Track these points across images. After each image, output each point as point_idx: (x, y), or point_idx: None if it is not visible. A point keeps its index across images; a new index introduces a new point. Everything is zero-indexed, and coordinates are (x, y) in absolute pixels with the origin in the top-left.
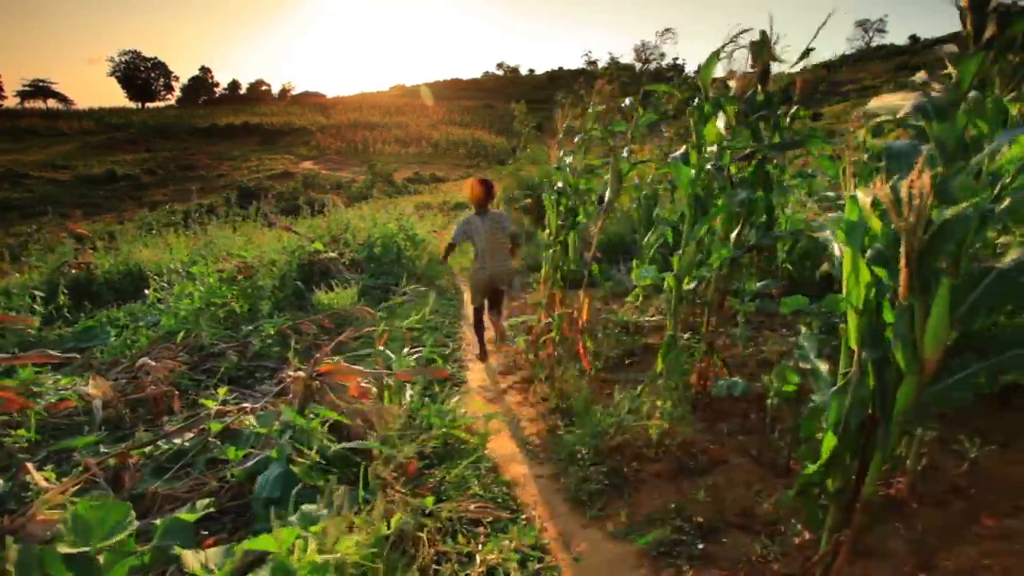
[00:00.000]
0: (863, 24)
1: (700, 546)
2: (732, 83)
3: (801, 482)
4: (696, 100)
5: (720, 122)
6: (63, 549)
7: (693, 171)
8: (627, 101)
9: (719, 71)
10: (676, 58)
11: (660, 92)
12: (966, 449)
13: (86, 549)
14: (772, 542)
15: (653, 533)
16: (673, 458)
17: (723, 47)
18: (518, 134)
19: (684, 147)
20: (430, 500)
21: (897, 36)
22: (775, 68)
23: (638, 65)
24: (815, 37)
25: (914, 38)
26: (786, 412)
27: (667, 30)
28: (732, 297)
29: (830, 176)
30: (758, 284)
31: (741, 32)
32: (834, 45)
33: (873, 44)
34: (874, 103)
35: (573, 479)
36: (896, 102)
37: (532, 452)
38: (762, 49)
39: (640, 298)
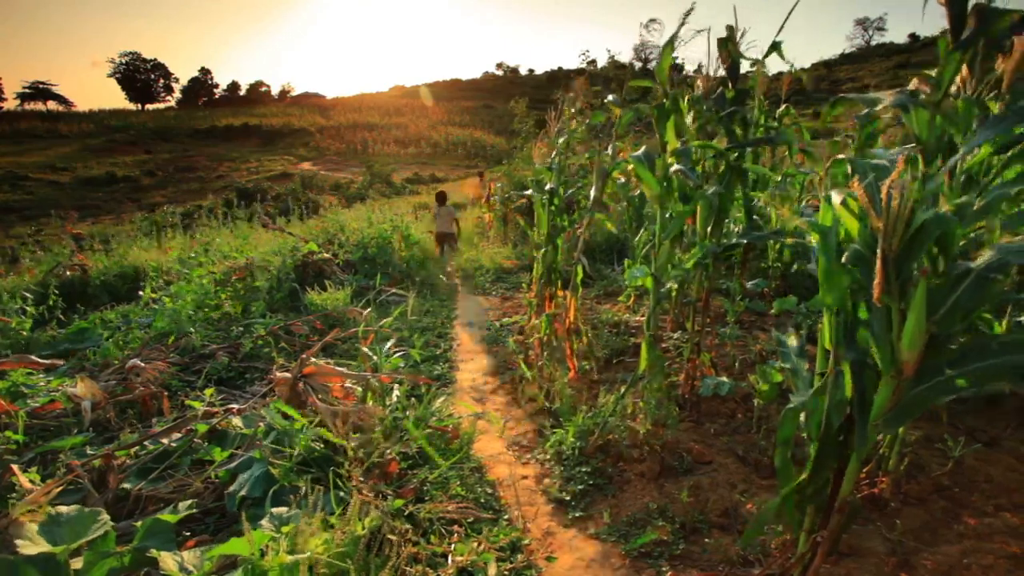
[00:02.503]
0: (863, 22)
1: (681, 546)
2: (699, 82)
3: (784, 493)
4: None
5: (689, 120)
6: (30, 550)
7: (659, 170)
8: (610, 97)
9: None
10: (676, 57)
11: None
12: (951, 448)
13: (55, 551)
14: (754, 543)
15: (647, 536)
16: (657, 458)
17: (675, 35)
18: (517, 133)
19: (644, 147)
20: (399, 502)
21: (897, 34)
22: (774, 67)
23: (637, 64)
24: (780, 31)
25: (914, 36)
26: (772, 412)
27: (652, 20)
28: (723, 297)
29: (816, 176)
30: (749, 283)
31: (689, 12)
32: (834, 43)
33: (873, 42)
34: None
35: (557, 480)
36: (877, 95)
37: (518, 453)
38: (727, 44)
39: (632, 298)
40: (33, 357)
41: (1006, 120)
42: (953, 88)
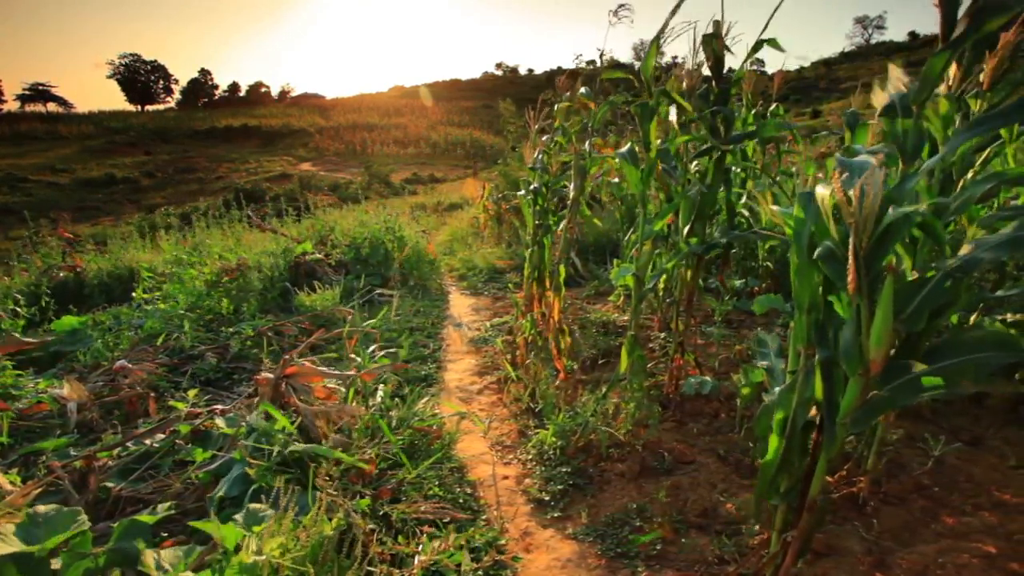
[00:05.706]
0: (862, 21)
1: (658, 546)
2: (684, 79)
3: (759, 489)
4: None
5: (672, 117)
6: (3, 550)
7: (642, 169)
8: (583, 90)
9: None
10: (675, 56)
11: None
12: (933, 447)
13: (32, 550)
14: (730, 542)
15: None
16: (638, 458)
17: (660, 32)
18: (507, 133)
19: (629, 143)
20: (365, 501)
21: (897, 33)
22: (774, 65)
23: (637, 64)
24: (766, 28)
25: (913, 35)
26: (755, 411)
27: (621, 6)
28: (711, 296)
29: (809, 175)
30: (739, 282)
31: (675, 10)
32: (834, 42)
33: (872, 41)
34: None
35: (538, 480)
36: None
37: (501, 453)
38: (712, 41)
39: (621, 298)
40: (20, 336)
41: (989, 122)
42: (941, 87)
